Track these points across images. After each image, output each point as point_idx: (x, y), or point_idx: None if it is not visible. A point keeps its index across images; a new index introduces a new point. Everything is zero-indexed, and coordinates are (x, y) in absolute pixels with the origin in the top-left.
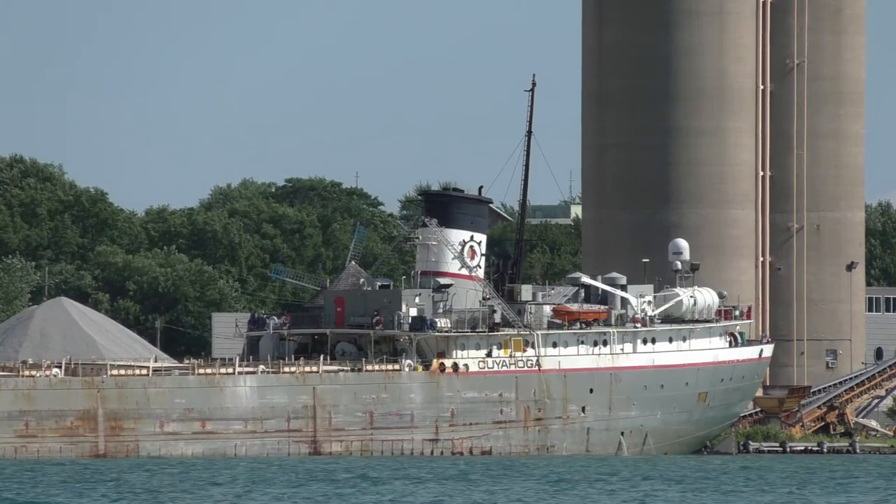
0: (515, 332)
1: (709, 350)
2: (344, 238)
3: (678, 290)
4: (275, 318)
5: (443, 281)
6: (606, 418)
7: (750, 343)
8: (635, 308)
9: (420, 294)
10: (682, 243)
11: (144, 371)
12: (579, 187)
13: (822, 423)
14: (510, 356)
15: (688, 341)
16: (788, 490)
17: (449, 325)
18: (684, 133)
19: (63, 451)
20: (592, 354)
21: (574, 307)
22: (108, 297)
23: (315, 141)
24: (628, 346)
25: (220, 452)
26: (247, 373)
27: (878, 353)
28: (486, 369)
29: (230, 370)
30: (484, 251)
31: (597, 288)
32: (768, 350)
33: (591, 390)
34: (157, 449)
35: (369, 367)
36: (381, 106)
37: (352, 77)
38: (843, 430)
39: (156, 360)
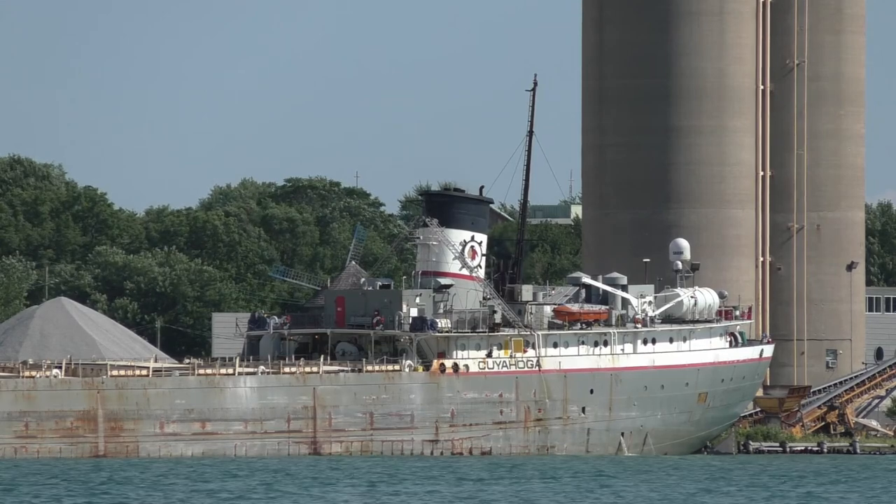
0: (516, 333)
1: (709, 350)
2: (342, 237)
3: (679, 290)
4: (275, 317)
5: (443, 281)
6: (607, 419)
7: (750, 343)
8: (636, 308)
9: (420, 294)
10: (683, 243)
11: (144, 372)
12: (579, 187)
13: (823, 423)
14: (510, 357)
15: (688, 341)
16: None
17: (449, 326)
18: (684, 133)
19: (63, 452)
20: (593, 355)
21: (574, 307)
22: (106, 297)
23: (315, 141)
24: (629, 347)
25: (220, 453)
26: (247, 373)
27: (879, 353)
28: (487, 370)
29: (230, 371)
30: (484, 251)
31: (597, 288)
32: (768, 350)
33: (592, 391)
34: (157, 450)
35: (369, 368)
36: (382, 106)
37: (352, 77)
38: (843, 430)
39: (156, 360)
